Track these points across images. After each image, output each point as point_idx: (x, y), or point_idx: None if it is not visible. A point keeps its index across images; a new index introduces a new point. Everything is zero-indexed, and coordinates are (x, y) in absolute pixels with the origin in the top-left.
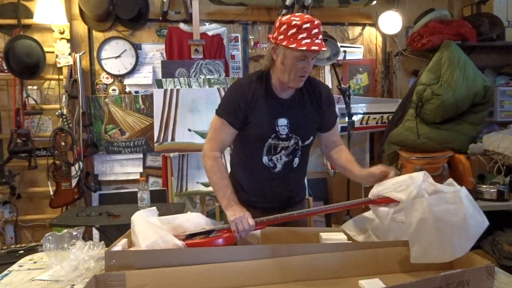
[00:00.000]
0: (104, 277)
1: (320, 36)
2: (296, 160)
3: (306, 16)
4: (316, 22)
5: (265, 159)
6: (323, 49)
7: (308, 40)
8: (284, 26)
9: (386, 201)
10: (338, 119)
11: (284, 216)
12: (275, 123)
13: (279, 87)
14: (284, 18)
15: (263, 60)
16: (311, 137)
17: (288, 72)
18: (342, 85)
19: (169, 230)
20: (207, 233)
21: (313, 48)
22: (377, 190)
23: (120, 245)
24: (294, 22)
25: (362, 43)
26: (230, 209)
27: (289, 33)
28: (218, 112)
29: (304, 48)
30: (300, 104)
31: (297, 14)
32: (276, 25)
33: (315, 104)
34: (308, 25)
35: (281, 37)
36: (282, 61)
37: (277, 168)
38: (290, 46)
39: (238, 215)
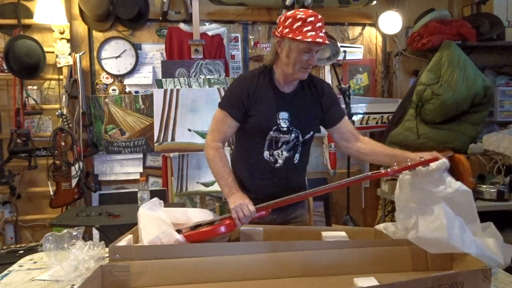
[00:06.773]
0: (110, 267)
1: (324, 30)
2: (297, 156)
3: (310, 10)
4: (319, 17)
5: (266, 153)
6: (326, 42)
7: (313, 33)
8: (290, 20)
9: (387, 173)
10: (345, 114)
11: (283, 200)
12: (277, 116)
13: (282, 81)
14: (289, 13)
15: (266, 55)
16: (311, 132)
17: (293, 65)
18: (342, 85)
19: (177, 221)
20: (209, 223)
21: (317, 40)
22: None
23: (125, 240)
24: (299, 16)
25: (362, 43)
26: (232, 196)
27: (295, 26)
28: (221, 105)
29: (310, 39)
30: (301, 98)
31: (301, 9)
32: (281, 20)
33: (316, 100)
34: (312, 18)
35: (286, 30)
36: (288, 54)
37: (278, 164)
38: (296, 38)
39: (238, 202)
